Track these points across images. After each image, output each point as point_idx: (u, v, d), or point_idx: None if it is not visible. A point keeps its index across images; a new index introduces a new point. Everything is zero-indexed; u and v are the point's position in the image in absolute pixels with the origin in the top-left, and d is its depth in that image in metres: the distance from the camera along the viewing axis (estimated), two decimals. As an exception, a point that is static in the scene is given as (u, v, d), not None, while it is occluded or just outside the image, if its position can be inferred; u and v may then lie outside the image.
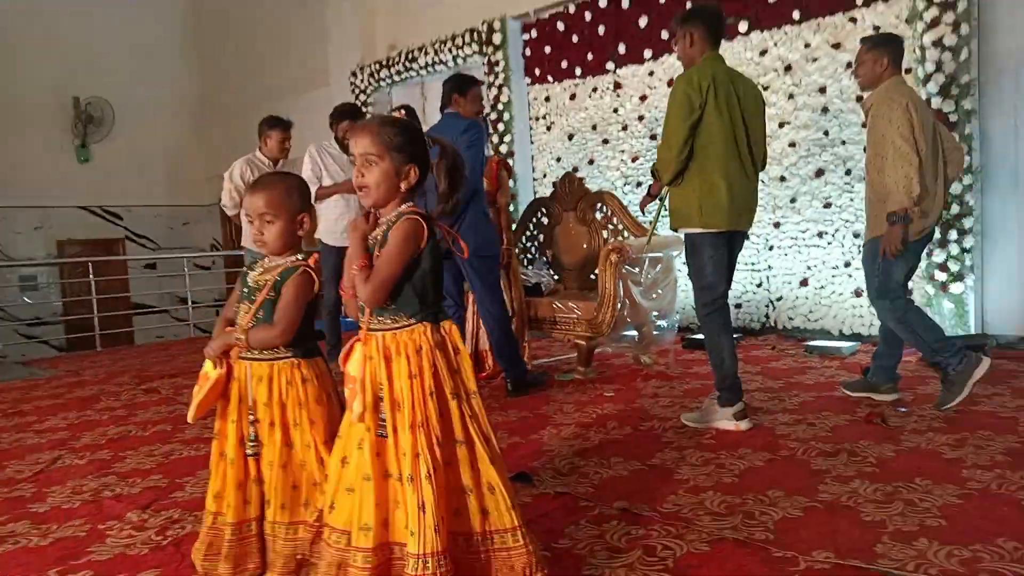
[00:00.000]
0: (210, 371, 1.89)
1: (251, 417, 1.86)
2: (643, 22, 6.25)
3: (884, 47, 3.44)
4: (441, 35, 7.60)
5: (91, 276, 7.98)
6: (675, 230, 3.35)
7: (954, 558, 1.85)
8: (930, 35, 4.64)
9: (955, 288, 4.66)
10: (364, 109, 8.46)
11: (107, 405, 4.55)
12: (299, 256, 1.91)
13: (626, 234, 4.81)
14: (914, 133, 3.20)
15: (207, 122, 11.73)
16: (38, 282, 10.62)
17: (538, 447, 3.06)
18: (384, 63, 8.28)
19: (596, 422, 3.40)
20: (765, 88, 5.60)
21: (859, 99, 5.15)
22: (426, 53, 7.77)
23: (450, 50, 7.51)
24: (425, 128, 3.72)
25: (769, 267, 5.69)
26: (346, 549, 1.67)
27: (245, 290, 1.92)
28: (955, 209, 4.62)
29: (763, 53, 5.61)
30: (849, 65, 5.16)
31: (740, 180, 3.16)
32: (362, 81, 8.55)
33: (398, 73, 8.15)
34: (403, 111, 4.31)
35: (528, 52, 7.17)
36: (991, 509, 2.14)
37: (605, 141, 6.65)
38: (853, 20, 5.14)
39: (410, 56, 7.94)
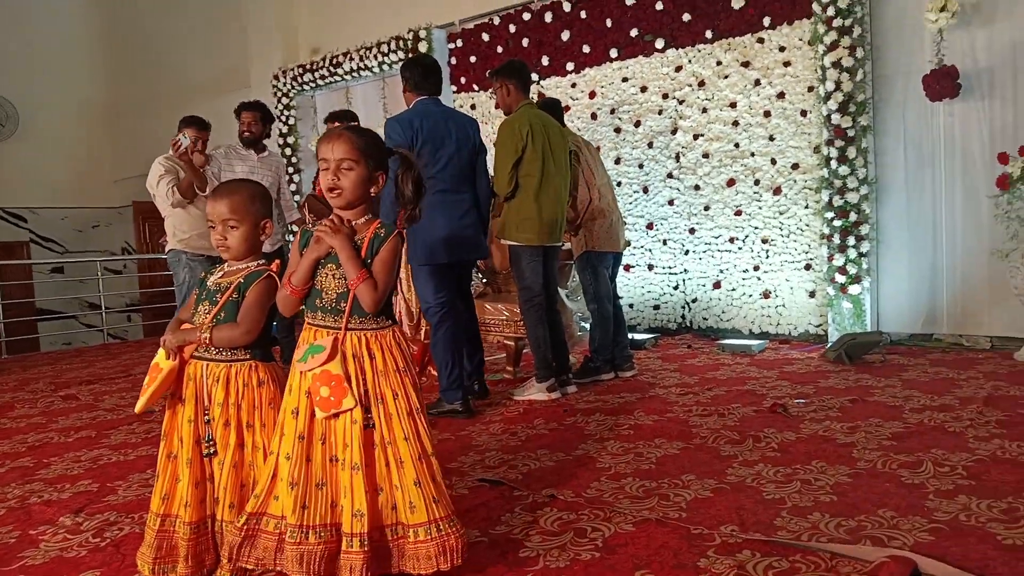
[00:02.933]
0: (163, 362, 1.92)
1: (206, 416, 1.91)
2: (565, 35, 6.48)
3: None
4: (366, 41, 7.64)
5: (-3, 281, 7.63)
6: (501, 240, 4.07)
7: (842, 528, 2.08)
8: (830, 57, 5.02)
9: (853, 289, 5.05)
10: (286, 111, 8.41)
11: (23, 412, 4.41)
12: (262, 261, 1.98)
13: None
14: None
15: (117, 122, 11.31)
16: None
17: (467, 442, 3.19)
18: (308, 67, 8.25)
19: (522, 418, 3.57)
20: (681, 102, 5.92)
21: (767, 114, 5.52)
22: (351, 59, 7.79)
23: (375, 56, 7.56)
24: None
25: (685, 271, 6.00)
26: (327, 541, 1.77)
27: (204, 293, 1.98)
28: (853, 216, 5.01)
29: (678, 69, 5.91)
30: (757, 82, 5.53)
31: (549, 205, 3.90)
32: (284, 84, 8.49)
33: (322, 78, 8.13)
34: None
35: (453, 61, 7.30)
36: (875, 485, 2.40)
37: (529, 149, 6.84)
38: (761, 40, 5.50)
39: (334, 61, 7.94)
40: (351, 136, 1.88)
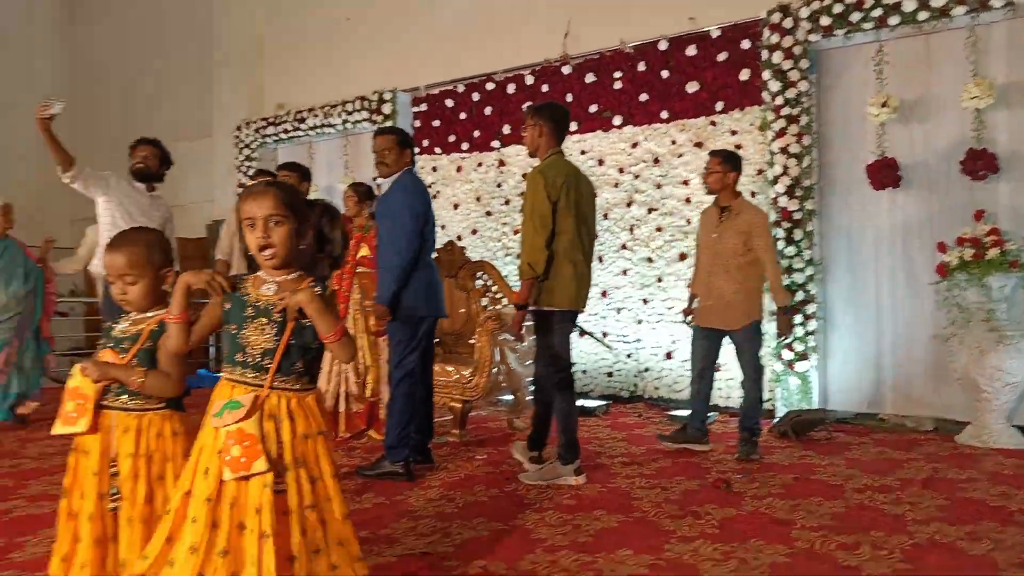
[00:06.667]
0: (87, 386, 1.81)
1: (113, 469, 1.80)
2: (526, 106, 6.61)
3: (731, 162, 4.18)
4: (331, 99, 7.72)
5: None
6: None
7: (778, 609, 2.04)
8: (778, 143, 5.21)
9: (800, 366, 5.11)
10: (247, 162, 8.38)
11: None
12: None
13: (504, 302, 4.99)
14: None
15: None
16: None
17: (404, 508, 3.09)
18: (272, 120, 8.27)
19: (463, 483, 3.47)
20: (636, 177, 6.06)
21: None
22: (316, 115, 7.85)
23: (339, 115, 7.63)
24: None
25: (638, 340, 6.02)
26: None
27: (111, 341, 1.88)
28: (800, 296, 5.11)
29: (634, 145, 6.07)
30: (710, 161, 5.69)
31: (583, 266, 3.58)
32: (247, 136, 8.47)
33: (285, 132, 8.16)
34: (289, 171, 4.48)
35: (418, 123, 7.40)
36: (811, 567, 2.38)
37: (488, 213, 6.91)
38: (713, 123, 5.69)
39: (299, 116, 7.98)
40: (275, 191, 1.79)
